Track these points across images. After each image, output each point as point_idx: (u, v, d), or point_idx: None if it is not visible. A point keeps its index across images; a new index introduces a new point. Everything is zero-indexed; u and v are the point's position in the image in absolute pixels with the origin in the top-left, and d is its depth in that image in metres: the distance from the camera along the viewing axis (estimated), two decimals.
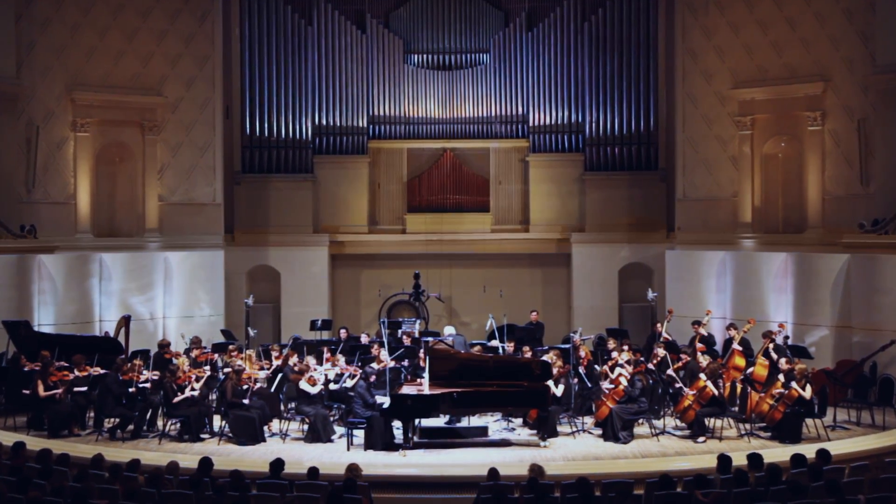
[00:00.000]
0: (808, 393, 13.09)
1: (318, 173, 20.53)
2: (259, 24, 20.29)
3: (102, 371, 14.27)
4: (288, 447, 13.21)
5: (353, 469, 9.88)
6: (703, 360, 14.11)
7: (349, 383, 14.00)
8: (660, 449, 13.05)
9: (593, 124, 20.28)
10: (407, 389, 13.52)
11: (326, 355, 14.71)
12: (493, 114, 20.64)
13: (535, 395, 13.28)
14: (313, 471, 10.00)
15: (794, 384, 13.09)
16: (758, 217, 18.67)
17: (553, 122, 20.46)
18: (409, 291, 19.63)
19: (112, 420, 13.77)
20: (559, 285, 20.73)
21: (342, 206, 20.60)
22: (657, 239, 20.03)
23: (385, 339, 14.77)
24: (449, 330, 17.01)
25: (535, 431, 13.75)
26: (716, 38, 19.00)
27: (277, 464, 10.03)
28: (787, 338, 15.51)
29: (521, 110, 20.60)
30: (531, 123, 20.50)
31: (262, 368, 14.92)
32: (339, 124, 20.55)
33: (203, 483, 9.47)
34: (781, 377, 13.44)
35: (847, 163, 17.26)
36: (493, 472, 9.88)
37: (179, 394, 13.59)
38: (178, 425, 13.69)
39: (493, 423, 14.36)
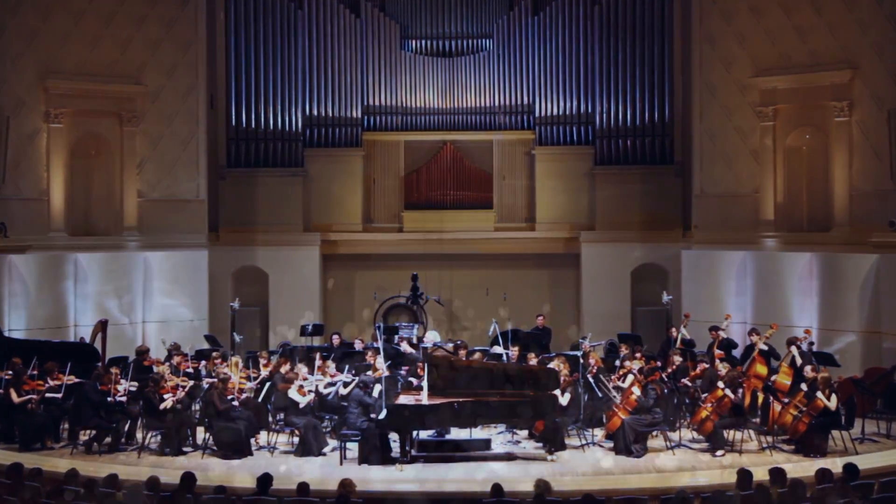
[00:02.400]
0: (832, 402, 13.09)
1: (309, 167, 20.53)
2: (246, 7, 20.27)
3: (77, 380, 14.27)
4: (276, 461, 13.22)
5: (346, 485, 9.88)
6: (722, 368, 14.12)
7: (344, 390, 13.99)
8: (675, 463, 13.05)
9: (604, 115, 20.27)
10: (404, 399, 13.53)
11: (319, 363, 14.70)
12: (497, 104, 20.63)
13: (541, 406, 13.28)
14: (303, 486, 10.00)
15: (818, 394, 13.09)
16: (780, 214, 18.67)
17: (561, 113, 20.45)
18: (406, 294, 19.64)
19: (88, 432, 13.77)
20: (567, 287, 20.73)
21: (335, 203, 20.60)
22: (672, 238, 20.01)
23: (381, 346, 14.77)
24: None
25: (541, 444, 13.75)
26: (735, 22, 18.99)
27: (265, 479, 10.02)
28: (811, 344, 15.50)
29: (527, 100, 20.60)
30: (537, 114, 20.50)
31: (248, 377, 14.91)
32: (331, 115, 20.55)
33: (185, 500, 9.47)
34: (805, 386, 13.45)
35: (876, 156, 17.25)
36: (496, 487, 9.89)
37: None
38: (159, 438, 13.69)
39: (497, 436, 14.39)
